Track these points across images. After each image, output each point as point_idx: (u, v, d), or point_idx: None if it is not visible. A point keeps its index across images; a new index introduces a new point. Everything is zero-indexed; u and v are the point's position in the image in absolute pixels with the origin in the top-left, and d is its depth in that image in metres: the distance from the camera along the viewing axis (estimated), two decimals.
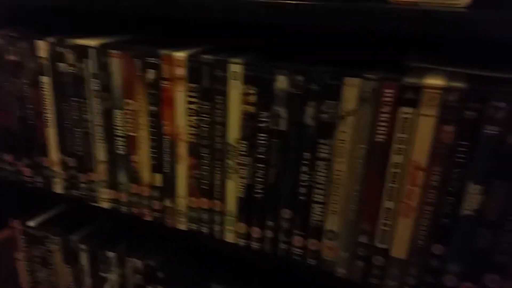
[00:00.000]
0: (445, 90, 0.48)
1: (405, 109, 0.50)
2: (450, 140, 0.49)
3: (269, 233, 0.63)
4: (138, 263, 0.76)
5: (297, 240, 0.62)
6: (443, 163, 0.50)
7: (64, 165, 0.77)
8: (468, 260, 0.52)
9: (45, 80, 0.73)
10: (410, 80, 0.49)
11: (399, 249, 0.55)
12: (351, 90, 0.52)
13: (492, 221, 0.50)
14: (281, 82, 0.55)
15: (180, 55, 0.60)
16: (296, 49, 0.68)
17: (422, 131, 0.50)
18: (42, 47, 0.71)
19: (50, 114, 0.75)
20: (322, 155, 0.56)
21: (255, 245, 0.65)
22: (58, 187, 0.80)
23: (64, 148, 0.76)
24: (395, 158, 0.52)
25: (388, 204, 0.54)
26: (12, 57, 0.74)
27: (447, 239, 0.52)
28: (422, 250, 0.54)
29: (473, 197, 0.50)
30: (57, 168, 0.78)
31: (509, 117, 0.46)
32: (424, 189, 0.52)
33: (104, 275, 0.81)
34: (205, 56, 0.59)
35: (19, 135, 0.80)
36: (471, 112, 0.48)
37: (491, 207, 0.49)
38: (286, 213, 0.61)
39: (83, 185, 0.77)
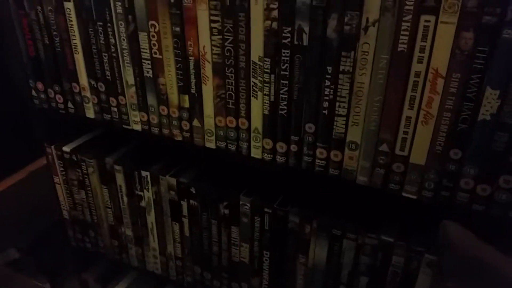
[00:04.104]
0: None
1: (426, 17, 0.51)
2: (469, 46, 0.50)
3: (293, 147, 0.67)
4: (172, 181, 0.81)
5: (320, 153, 0.65)
6: (463, 69, 0.51)
7: (94, 90, 0.80)
8: (484, 163, 0.55)
9: (69, 6, 0.74)
10: None
11: (419, 156, 0.58)
12: None
13: (508, 125, 0.51)
14: None
15: None
16: None
17: (443, 38, 0.51)
18: None
19: (76, 40, 0.77)
20: (344, 68, 0.58)
21: (280, 159, 0.69)
22: (90, 112, 0.83)
23: (93, 74, 0.79)
24: (416, 67, 0.53)
25: (408, 113, 0.56)
26: None
27: (465, 144, 0.55)
28: (440, 156, 0.57)
29: (491, 102, 0.51)
30: (87, 94, 0.82)
31: None
32: (443, 96, 0.53)
33: (139, 193, 0.87)
34: None
35: (47, 62, 0.83)
36: (490, 17, 0.48)
37: (508, 111, 0.51)
38: (310, 127, 0.64)
39: (114, 109, 0.80)
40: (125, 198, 0.90)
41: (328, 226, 0.69)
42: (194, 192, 0.80)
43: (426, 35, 0.51)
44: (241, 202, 0.76)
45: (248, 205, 0.75)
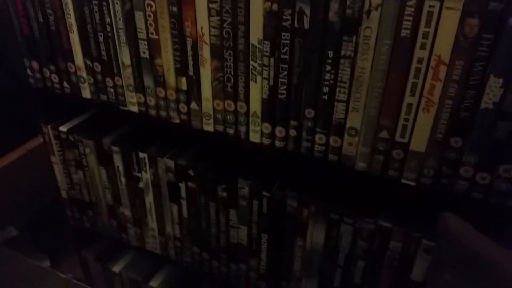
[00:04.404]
0: None
1: (430, 2, 0.49)
2: (474, 33, 0.49)
3: (292, 132, 0.66)
4: (170, 163, 0.81)
5: (319, 138, 0.64)
6: (466, 57, 0.50)
7: (90, 70, 0.79)
8: (485, 152, 0.54)
9: None
10: None
11: (419, 143, 0.57)
12: None
13: (511, 113, 0.51)
14: None
15: None
16: None
17: (447, 24, 0.49)
18: None
19: (71, 19, 0.75)
20: (346, 52, 0.56)
21: (279, 143, 0.68)
22: (86, 92, 0.82)
23: (88, 53, 0.77)
24: (419, 53, 0.52)
25: (410, 99, 0.55)
26: None
27: (466, 132, 0.54)
28: (441, 143, 0.56)
29: (494, 90, 0.50)
30: (83, 74, 0.80)
31: None
32: (446, 83, 0.52)
33: (137, 174, 0.86)
34: None
35: (42, 41, 0.81)
36: (497, 3, 0.47)
37: (511, 100, 0.50)
38: (309, 112, 0.63)
39: (110, 89, 0.79)
40: (123, 179, 0.89)
41: (326, 210, 0.69)
42: (192, 174, 0.80)
43: (430, 20, 0.50)
44: (239, 185, 0.76)
45: (246, 188, 0.75)
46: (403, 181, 0.61)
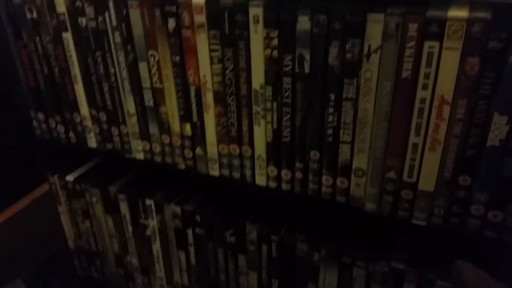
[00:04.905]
0: (469, 21, 0.47)
1: (430, 43, 0.50)
2: (475, 72, 0.49)
3: (298, 174, 0.66)
4: (176, 209, 0.80)
5: (326, 179, 0.64)
6: (469, 95, 0.50)
7: (96, 120, 0.80)
8: (494, 189, 0.53)
9: (67, 36, 0.74)
10: (434, 13, 0.49)
11: (427, 182, 0.57)
12: (375, 26, 0.51)
13: None
14: (303, 22, 0.55)
15: (199, 1, 0.60)
16: None
17: (447, 64, 0.50)
18: (60, 2, 0.71)
19: (75, 70, 0.77)
20: (348, 95, 0.56)
21: (285, 186, 0.68)
22: (92, 142, 0.83)
23: (93, 103, 0.78)
24: (421, 93, 0.52)
25: (415, 139, 0.55)
26: (32, 15, 0.75)
27: (474, 170, 0.53)
28: (449, 182, 0.55)
29: (499, 128, 0.50)
30: (88, 123, 0.81)
31: None
32: (450, 122, 0.52)
33: (144, 222, 0.85)
34: (224, 1, 0.59)
35: (47, 93, 0.82)
36: (496, 42, 0.47)
37: None
38: (315, 154, 0.63)
39: (116, 138, 0.79)
40: (130, 227, 0.88)
41: (337, 253, 0.68)
42: (199, 220, 0.79)
43: (430, 61, 0.50)
44: (247, 230, 0.75)
45: (255, 232, 0.74)
46: (414, 221, 0.60)
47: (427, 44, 0.50)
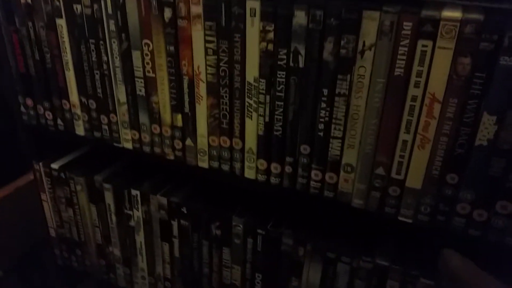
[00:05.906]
0: (463, 22, 0.48)
1: (424, 42, 0.51)
2: (467, 72, 0.50)
3: (288, 168, 0.66)
4: (162, 200, 0.80)
5: (315, 174, 0.64)
6: (460, 94, 0.51)
7: (85, 107, 0.79)
8: (481, 188, 0.55)
9: (61, 22, 0.73)
10: (428, 13, 0.50)
11: (415, 180, 0.58)
12: (370, 23, 0.52)
13: (505, 150, 0.51)
14: (300, 17, 0.56)
15: None
16: None
17: (440, 63, 0.51)
18: None
19: (68, 57, 0.76)
20: (340, 91, 0.57)
21: (274, 180, 0.68)
22: (80, 129, 0.82)
23: (84, 91, 0.78)
24: (413, 91, 0.53)
25: (405, 136, 0.56)
26: (26, 0, 0.74)
27: (462, 169, 0.55)
28: (437, 180, 0.56)
29: (488, 128, 0.51)
30: (77, 111, 0.80)
31: None
32: (440, 120, 0.53)
33: (129, 212, 0.85)
34: None
35: (37, 79, 0.81)
36: (487, 43, 0.48)
37: (505, 136, 0.51)
38: (305, 148, 0.63)
39: (104, 126, 0.79)
40: (113, 217, 0.88)
41: (322, 248, 0.68)
42: (185, 211, 0.79)
43: (423, 60, 0.51)
44: (233, 223, 0.75)
45: (241, 226, 0.74)
46: (400, 218, 0.61)
47: (420, 42, 0.51)
